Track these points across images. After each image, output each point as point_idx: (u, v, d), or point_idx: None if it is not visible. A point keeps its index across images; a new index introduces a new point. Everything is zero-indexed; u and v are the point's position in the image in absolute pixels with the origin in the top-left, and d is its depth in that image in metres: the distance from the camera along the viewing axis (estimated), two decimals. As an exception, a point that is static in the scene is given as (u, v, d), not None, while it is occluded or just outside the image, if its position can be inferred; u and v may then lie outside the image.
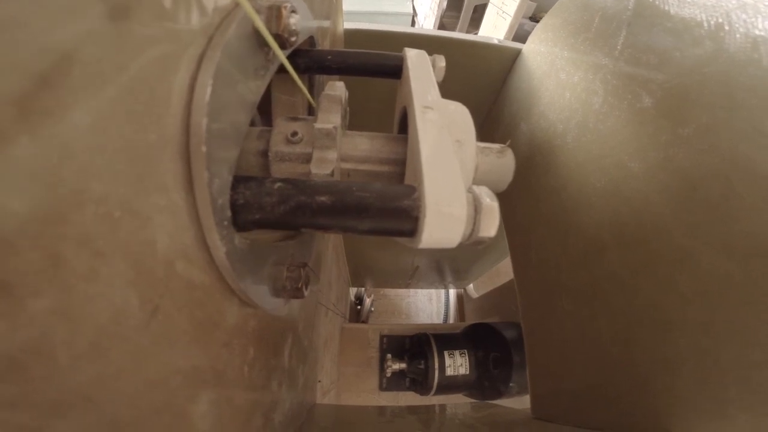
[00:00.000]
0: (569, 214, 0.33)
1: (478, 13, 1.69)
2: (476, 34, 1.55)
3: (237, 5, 0.14)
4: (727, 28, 0.22)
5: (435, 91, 0.21)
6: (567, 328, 0.35)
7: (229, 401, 0.16)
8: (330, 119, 0.19)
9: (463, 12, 1.90)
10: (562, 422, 0.36)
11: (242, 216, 0.13)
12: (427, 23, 2.04)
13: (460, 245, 0.15)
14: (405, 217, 0.13)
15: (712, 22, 0.23)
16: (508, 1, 1.13)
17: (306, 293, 0.24)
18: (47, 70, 0.07)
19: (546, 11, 0.42)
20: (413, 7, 2.15)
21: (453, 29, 2.03)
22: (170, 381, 0.11)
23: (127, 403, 0.10)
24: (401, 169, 0.22)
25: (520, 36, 1.36)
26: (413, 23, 2.13)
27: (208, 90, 0.11)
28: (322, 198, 0.12)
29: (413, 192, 0.13)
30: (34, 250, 0.07)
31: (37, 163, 0.07)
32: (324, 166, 0.17)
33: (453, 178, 0.13)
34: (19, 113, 0.06)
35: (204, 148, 0.11)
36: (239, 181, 0.13)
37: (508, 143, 0.23)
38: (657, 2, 0.27)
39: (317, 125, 0.18)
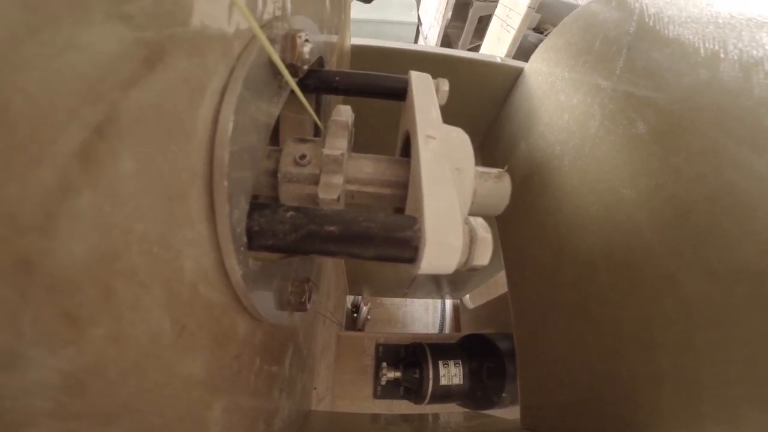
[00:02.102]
0: (563, 235, 0.34)
1: (483, 23, 1.71)
2: (480, 44, 1.57)
3: (253, 37, 0.15)
4: (722, 56, 0.23)
5: (437, 118, 0.22)
6: (558, 344, 0.36)
7: (237, 408, 0.17)
8: (337, 145, 0.20)
9: (467, 22, 1.93)
10: None
11: (257, 241, 0.14)
12: (431, 33, 2.07)
13: (456, 270, 0.16)
14: (406, 247, 0.14)
15: (708, 49, 0.24)
16: (512, 14, 1.16)
17: (309, 306, 0.25)
18: (102, 121, 0.07)
19: (550, 23, 0.43)
20: (418, 16, 2.18)
21: (457, 39, 2.05)
22: (192, 391, 0.13)
23: (158, 412, 0.11)
24: (403, 192, 0.23)
25: (524, 47, 1.37)
26: (418, 32, 2.16)
27: (230, 125, 0.12)
28: (331, 227, 0.13)
29: (414, 223, 0.14)
30: (93, 287, 0.08)
31: (96, 212, 0.08)
32: (331, 191, 0.18)
33: (451, 211, 0.14)
34: (81, 165, 0.07)
35: (226, 183, 0.12)
36: (254, 208, 0.14)
37: (505, 168, 0.24)
38: (657, 27, 0.28)
39: (325, 151, 0.19)
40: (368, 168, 0.23)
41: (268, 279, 0.17)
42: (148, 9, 0.08)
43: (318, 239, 0.13)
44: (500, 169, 0.24)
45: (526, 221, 0.42)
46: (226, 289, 0.14)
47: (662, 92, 0.26)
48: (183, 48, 0.10)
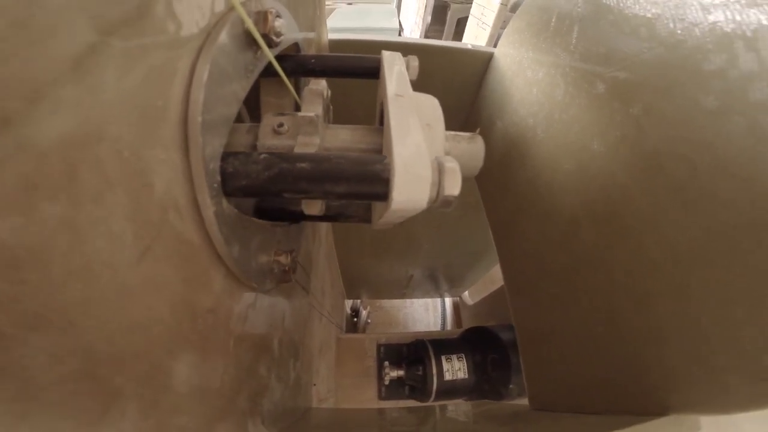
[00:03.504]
0: (545, 200, 0.35)
1: (461, 26, 1.76)
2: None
3: (231, 9, 0.16)
4: (656, 14, 0.24)
5: (407, 84, 0.23)
6: (553, 314, 0.36)
7: (211, 369, 0.17)
8: (312, 109, 0.21)
9: (446, 25, 1.97)
10: (562, 410, 0.35)
11: (231, 182, 0.14)
12: (412, 37, 2.11)
13: (430, 210, 0.17)
14: (377, 180, 0.14)
15: (645, 11, 0.25)
16: (486, 11, 1.19)
17: (293, 278, 0.25)
18: (96, 42, 0.09)
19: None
20: (399, 22, 2.23)
21: (437, 43, 2.09)
22: (152, 328, 0.12)
23: (106, 338, 0.10)
24: (380, 156, 0.24)
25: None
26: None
27: (206, 74, 0.13)
28: (303, 165, 0.14)
29: (384, 158, 0.15)
30: (60, 162, 0.08)
31: (76, 101, 0.09)
32: (307, 149, 0.19)
33: (419, 146, 0.15)
34: (72, 67, 0.09)
35: (200, 118, 0.12)
36: (230, 154, 0.15)
37: (477, 131, 0.25)
38: None
39: (301, 114, 0.20)
40: (345, 135, 0.24)
41: (246, 234, 0.18)
42: None
43: (290, 177, 0.14)
44: (472, 132, 0.25)
45: (510, 196, 0.43)
46: (198, 228, 0.14)
47: (612, 53, 0.28)
48: (166, 9, 0.12)
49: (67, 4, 0.08)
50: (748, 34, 0.19)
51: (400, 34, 2.20)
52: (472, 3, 1.39)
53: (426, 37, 2.07)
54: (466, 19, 1.58)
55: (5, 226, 0.08)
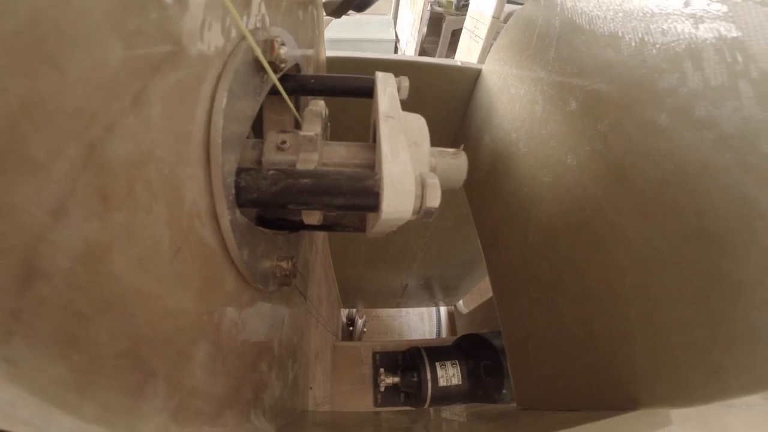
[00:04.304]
0: (527, 210, 0.38)
1: (456, 37, 1.80)
2: (454, 57, 1.65)
3: (242, 39, 0.19)
4: (620, 35, 0.27)
5: (397, 105, 0.26)
6: (536, 318, 0.38)
7: (223, 360, 0.19)
8: (312, 128, 0.23)
9: (441, 37, 2.02)
10: (545, 408, 0.37)
11: (243, 195, 0.17)
12: (408, 49, 2.16)
13: (416, 220, 0.19)
14: (369, 193, 0.17)
15: (611, 32, 0.28)
16: (479, 24, 1.23)
17: (293, 282, 0.27)
18: (147, 79, 0.11)
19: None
20: (395, 33, 2.27)
21: (433, 53, 2.14)
22: (179, 318, 0.14)
23: (147, 323, 0.12)
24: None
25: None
26: (396, 49, 2.25)
27: (224, 100, 0.16)
28: (305, 180, 0.17)
29: (375, 175, 0.17)
30: (124, 179, 0.11)
31: (136, 128, 0.11)
32: (308, 164, 0.22)
33: (405, 164, 0.17)
34: (132, 102, 0.11)
35: (220, 140, 0.15)
36: (242, 170, 0.17)
37: (461, 147, 0.28)
38: (574, 18, 0.32)
39: (302, 133, 0.22)
40: (341, 152, 0.26)
41: (254, 241, 0.20)
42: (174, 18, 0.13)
43: (295, 191, 0.16)
44: (456, 148, 0.28)
45: (496, 206, 0.46)
46: (215, 234, 0.16)
47: (583, 72, 0.30)
48: (194, 44, 0.14)
49: (126, 49, 0.11)
50: (695, 53, 0.21)
51: (396, 46, 2.25)
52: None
53: (421, 48, 2.11)
54: (460, 30, 1.63)
55: (90, 228, 0.10)
